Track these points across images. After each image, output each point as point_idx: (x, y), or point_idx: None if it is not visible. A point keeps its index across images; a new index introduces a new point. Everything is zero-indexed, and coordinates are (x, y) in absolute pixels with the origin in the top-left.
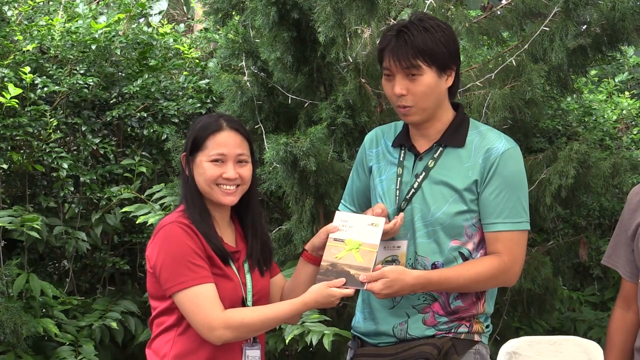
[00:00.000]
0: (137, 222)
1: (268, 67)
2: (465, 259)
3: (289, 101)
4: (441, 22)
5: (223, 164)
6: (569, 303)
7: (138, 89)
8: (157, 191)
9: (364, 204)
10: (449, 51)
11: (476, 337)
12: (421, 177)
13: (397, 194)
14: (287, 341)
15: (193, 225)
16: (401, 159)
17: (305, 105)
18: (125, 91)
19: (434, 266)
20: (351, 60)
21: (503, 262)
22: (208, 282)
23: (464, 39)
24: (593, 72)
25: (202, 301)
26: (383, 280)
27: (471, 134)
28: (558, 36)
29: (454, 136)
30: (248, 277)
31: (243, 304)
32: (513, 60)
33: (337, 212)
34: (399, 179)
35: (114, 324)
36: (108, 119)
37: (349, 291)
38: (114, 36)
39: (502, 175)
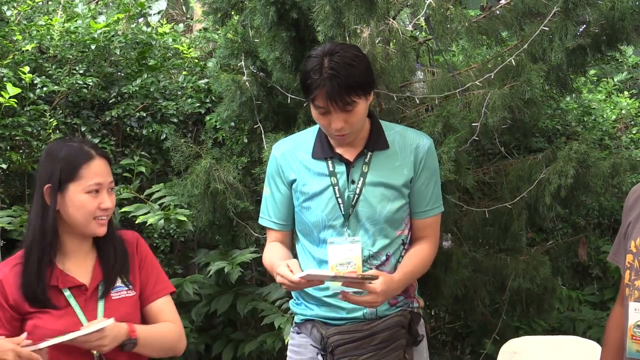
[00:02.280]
0: (136, 222)
1: (267, 67)
2: (404, 245)
3: (288, 101)
4: (354, 48)
5: (98, 194)
6: (568, 303)
7: (137, 88)
8: (157, 191)
9: (288, 216)
10: (371, 76)
11: (420, 311)
12: (360, 182)
13: (340, 202)
14: (286, 341)
15: (19, 267)
16: (331, 169)
17: (305, 104)
18: (125, 91)
19: (387, 257)
20: None
21: (434, 244)
22: None
23: (464, 38)
24: (592, 72)
25: None
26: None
27: (389, 134)
28: (557, 36)
29: (378, 140)
30: (100, 307)
31: None
32: (512, 60)
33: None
34: (336, 187)
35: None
36: (107, 119)
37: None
38: (113, 36)
39: (429, 168)
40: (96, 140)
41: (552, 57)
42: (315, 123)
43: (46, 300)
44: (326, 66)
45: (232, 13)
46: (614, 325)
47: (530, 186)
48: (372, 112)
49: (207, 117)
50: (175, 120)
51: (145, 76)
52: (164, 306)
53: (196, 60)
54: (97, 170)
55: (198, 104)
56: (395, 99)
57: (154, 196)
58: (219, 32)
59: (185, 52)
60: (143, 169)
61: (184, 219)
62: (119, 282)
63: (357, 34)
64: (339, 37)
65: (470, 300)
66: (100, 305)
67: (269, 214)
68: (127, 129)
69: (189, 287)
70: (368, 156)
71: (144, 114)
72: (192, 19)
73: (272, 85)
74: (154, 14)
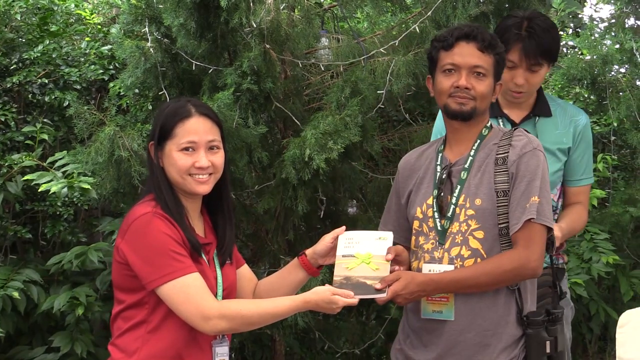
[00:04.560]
0: (39, 190)
1: (171, 33)
2: (555, 211)
3: (193, 67)
4: (550, 19)
5: (194, 152)
6: None
7: (39, 54)
8: (60, 159)
9: None
10: (559, 47)
11: (565, 266)
12: None
13: None
14: None
15: (168, 215)
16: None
17: (210, 71)
18: (26, 57)
19: None
20: (255, 26)
21: (586, 209)
22: (195, 271)
23: (368, 5)
24: None
25: (192, 291)
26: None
27: (551, 105)
28: (460, 3)
29: (544, 108)
30: (218, 270)
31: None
32: (416, 27)
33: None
34: None
35: (15, 294)
36: (8, 86)
37: (353, 301)
38: (13, 1)
39: (586, 141)
40: None
41: (455, 23)
42: (219, 90)
43: (199, 250)
44: (526, 25)
45: None
46: None
47: None
48: None
49: (111, 84)
50: (78, 87)
51: (47, 42)
52: (249, 270)
53: (99, 27)
54: (192, 128)
55: (101, 71)
56: (301, 65)
57: (57, 164)
58: None
59: (88, 18)
60: (46, 137)
61: (88, 186)
62: None
63: (261, 0)
64: (242, 3)
65: None
66: (218, 267)
67: None
68: (29, 96)
69: (93, 255)
70: (536, 120)
71: (46, 81)
72: None
73: (176, 51)
74: None
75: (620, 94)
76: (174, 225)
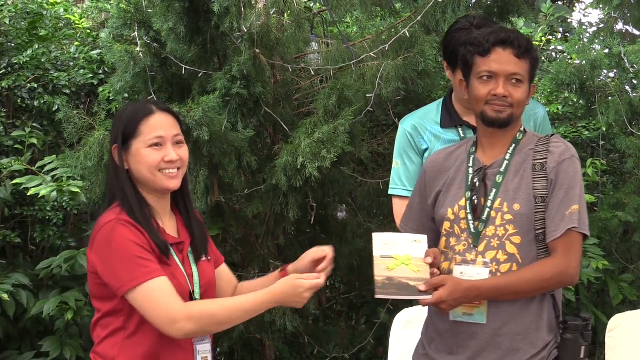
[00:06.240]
0: (28, 195)
1: (161, 38)
2: None
3: (183, 72)
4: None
5: (162, 147)
6: None
7: (28, 59)
8: (49, 163)
9: None
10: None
11: None
12: None
13: None
14: None
15: (132, 220)
16: (462, 135)
17: (199, 75)
18: (15, 62)
19: None
20: (245, 31)
21: None
22: (160, 275)
23: (358, 9)
24: None
25: (158, 295)
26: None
27: None
28: (450, 7)
29: None
30: (194, 268)
31: (191, 297)
32: (406, 32)
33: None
34: None
35: (5, 296)
36: None
37: (319, 281)
38: (2, 5)
39: (546, 132)
40: None
41: (445, 28)
42: (208, 94)
43: (167, 252)
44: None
45: None
46: None
47: None
48: None
49: (100, 89)
50: (68, 91)
51: (37, 47)
52: (228, 271)
53: (88, 31)
54: (157, 124)
55: (91, 75)
56: (290, 70)
57: (46, 168)
58: (112, 2)
59: (77, 22)
60: (35, 141)
61: (77, 190)
62: None
63: (252, 5)
64: (234, 7)
65: (365, 271)
66: (194, 265)
67: (403, 184)
68: (18, 101)
69: (82, 259)
70: None
71: (36, 85)
72: None
73: (166, 56)
74: None
75: (609, 98)
76: (138, 230)
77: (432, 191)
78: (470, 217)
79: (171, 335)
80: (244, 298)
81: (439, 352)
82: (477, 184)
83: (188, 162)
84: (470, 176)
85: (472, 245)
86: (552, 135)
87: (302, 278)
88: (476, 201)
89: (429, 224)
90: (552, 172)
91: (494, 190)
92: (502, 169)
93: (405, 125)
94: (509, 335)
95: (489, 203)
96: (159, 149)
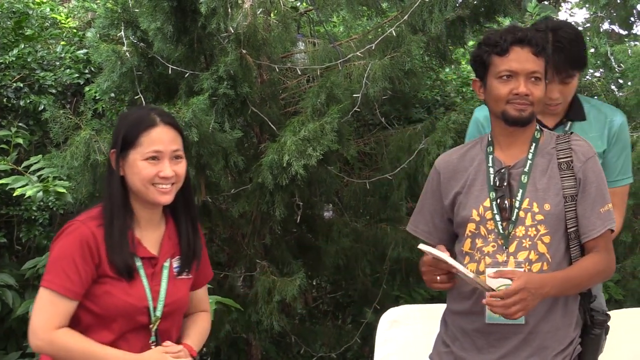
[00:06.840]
0: (14, 195)
1: (148, 37)
2: None
3: (169, 71)
4: (574, 27)
5: (159, 161)
6: None
7: (14, 59)
8: (35, 163)
9: None
10: (587, 54)
11: None
12: None
13: None
14: None
15: (102, 228)
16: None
17: (186, 75)
18: (1, 61)
19: None
20: (232, 31)
21: (620, 215)
22: (65, 295)
23: (344, 9)
24: (471, 43)
25: (46, 307)
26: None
27: (585, 107)
28: (437, 7)
29: (578, 112)
30: (164, 284)
31: (148, 313)
32: (393, 31)
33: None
34: None
35: None
36: None
37: (182, 355)
38: None
39: (621, 142)
40: None
41: (431, 28)
42: (195, 94)
43: (128, 270)
44: (552, 39)
45: None
46: None
47: (410, 156)
48: None
49: (87, 88)
50: (54, 91)
51: (22, 46)
52: (203, 294)
53: (75, 30)
54: (157, 138)
55: (77, 75)
56: (277, 69)
57: (32, 168)
58: (98, 1)
59: (63, 21)
60: (21, 141)
61: (63, 190)
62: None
63: (238, 5)
64: (221, 8)
65: (351, 270)
66: (164, 282)
67: None
68: (4, 100)
69: None
70: (568, 125)
71: (21, 85)
72: None
73: (153, 55)
74: None
75: (595, 97)
76: (92, 247)
77: (449, 192)
78: (497, 217)
79: (29, 343)
80: (111, 353)
81: (465, 351)
82: (499, 184)
83: (188, 177)
84: (492, 176)
85: (503, 247)
86: (570, 133)
87: (169, 352)
88: (506, 202)
89: (441, 225)
90: (580, 171)
91: (521, 191)
92: (526, 169)
93: (479, 114)
94: (541, 334)
95: (517, 203)
96: (155, 163)
